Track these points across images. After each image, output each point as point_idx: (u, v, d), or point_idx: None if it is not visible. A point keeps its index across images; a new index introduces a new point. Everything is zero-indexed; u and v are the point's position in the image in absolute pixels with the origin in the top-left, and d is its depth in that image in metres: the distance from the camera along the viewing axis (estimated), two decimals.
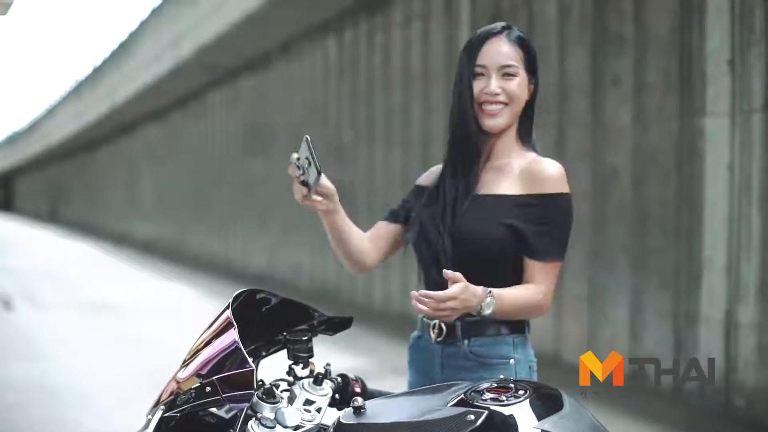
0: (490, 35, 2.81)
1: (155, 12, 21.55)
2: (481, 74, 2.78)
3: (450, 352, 2.74)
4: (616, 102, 8.03)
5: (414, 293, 2.52)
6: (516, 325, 2.76)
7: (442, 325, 2.73)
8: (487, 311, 2.59)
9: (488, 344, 2.73)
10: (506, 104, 2.77)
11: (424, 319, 2.79)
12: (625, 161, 7.96)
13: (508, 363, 2.72)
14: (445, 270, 2.54)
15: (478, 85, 2.78)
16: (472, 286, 2.54)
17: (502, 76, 2.77)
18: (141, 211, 28.43)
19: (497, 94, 2.76)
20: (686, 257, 7.27)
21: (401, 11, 12.01)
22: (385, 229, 2.97)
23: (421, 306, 2.48)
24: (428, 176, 2.97)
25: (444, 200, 2.81)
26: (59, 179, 47.29)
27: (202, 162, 21.68)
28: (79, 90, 33.81)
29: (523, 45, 2.81)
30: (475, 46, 2.80)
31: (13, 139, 58.00)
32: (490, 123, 2.78)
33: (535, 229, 2.71)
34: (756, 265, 6.58)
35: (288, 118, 16.26)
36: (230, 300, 2.33)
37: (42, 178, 53.36)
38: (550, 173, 2.76)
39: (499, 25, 2.84)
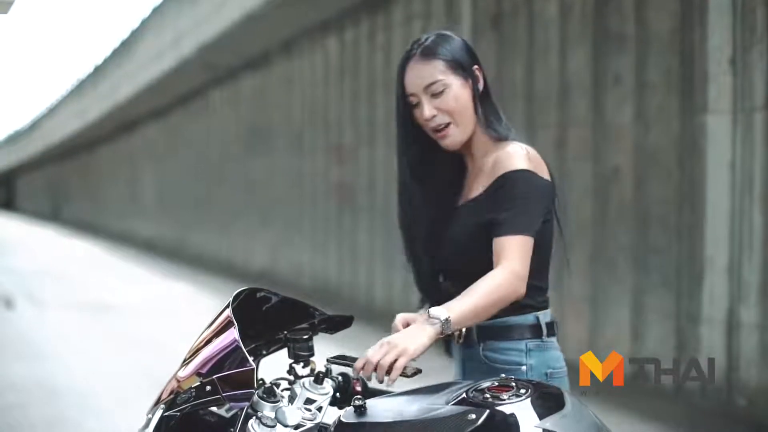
0: (407, 59, 2.71)
1: (156, 11, 21.56)
2: (417, 103, 2.69)
3: (469, 355, 2.70)
4: (618, 101, 8.02)
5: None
6: (531, 329, 2.67)
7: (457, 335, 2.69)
8: (447, 328, 2.41)
9: (501, 349, 2.66)
10: (449, 123, 2.68)
11: None
12: (626, 160, 7.95)
13: (519, 370, 2.63)
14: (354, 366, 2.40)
15: (419, 113, 2.70)
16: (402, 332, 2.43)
17: (431, 96, 2.67)
18: (142, 210, 28.45)
19: (434, 116, 2.66)
20: (688, 257, 7.26)
21: (402, 11, 12.01)
22: None
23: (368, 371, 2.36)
24: None
25: (424, 216, 2.79)
26: (60, 178, 47.32)
27: (203, 161, 21.69)
28: (80, 89, 33.83)
29: (442, 54, 2.68)
30: (400, 74, 2.72)
31: (15, 138, 58.03)
32: (446, 143, 2.71)
33: (499, 209, 2.60)
34: (758, 264, 6.58)
35: (289, 118, 16.27)
36: (230, 299, 2.32)
37: (43, 176, 53.40)
38: (507, 153, 2.65)
39: (412, 42, 2.74)
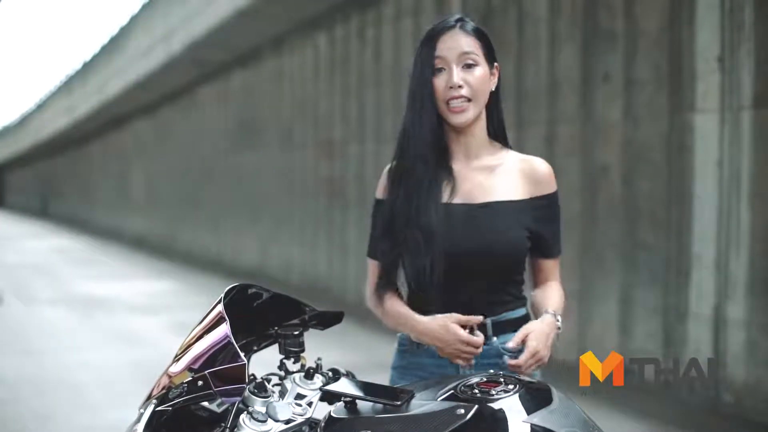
0: (445, 29, 2.74)
1: (146, 6, 21.51)
2: (441, 68, 2.71)
3: (482, 352, 2.70)
4: (606, 98, 8.04)
5: (463, 335, 2.61)
6: (527, 318, 2.80)
7: (474, 327, 2.69)
8: (560, 330, 2.71)
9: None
10: (470, 100, 2.70)
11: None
12: (614, 157, 7.98)
13: None
14: (507, 345, 2.63)
15: (439, 82, 2.70)
16: (536, 325, 2.64)
17: (462, 67, 2.70)
18: (132, 206, 28.37)
19: (460, 87, 2.68)
20: (675, 253, 7.29)
21: (392, 7, 12.01)
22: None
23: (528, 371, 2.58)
24: (384, 186, 2.84)
25: (439, 210, 2.71)
26: (50, 174, 47.18)
27: (193, 157, 21.65)
28: (69, 84, 33.73)
29: (480, 35, 2.76)
30: (431, 40, 2.74)
31: (4, 134, 57.82)
32: (457, 120, 2.71)
33: (549, 228, 2.78)
34: (745, 261, 6.61)
35: (278, 113, 16.25)
36: (222, 295, 2.33)
37: (32, 172, 53.23)
38: (548, 172, 2.80)
39: (453, 18, 2.79)
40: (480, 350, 2.62)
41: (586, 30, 8.27)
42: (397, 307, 2.77)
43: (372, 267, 2.85)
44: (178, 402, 2.19)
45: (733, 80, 6.69)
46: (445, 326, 2.63)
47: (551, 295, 2.78)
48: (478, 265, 2.68)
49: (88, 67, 29.89)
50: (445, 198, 2.74)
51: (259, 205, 17.22)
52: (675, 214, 7.31)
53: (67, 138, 37.35)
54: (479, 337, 2.62)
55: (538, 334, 2.59)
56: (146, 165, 26.57)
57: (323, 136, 14.22)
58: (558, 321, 2.68)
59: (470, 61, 2.70)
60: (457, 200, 2.74)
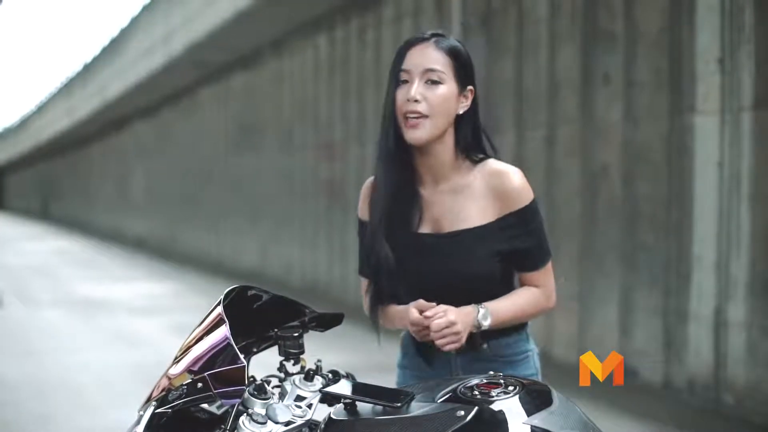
0: (417, 41, 2.67)
1: (146, 8, 21.53)
2: (405, 81, 2.63)
3: (471, 358, 2.71)
4: (606, 99, 8.05)
5: (415, 317, 2.58)
6: (523, 323, 2.80)
7: None
8: (485, 322, 2.61)
9: (509, 343, 2.75)
10: (426, 116, 2.61)
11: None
12: (614, 158, 7.98)
13: (527, 356, 2.78)
14: (417, 302, 2.59)
15: (400, 94, 2.64)
16: (456, 309, 2.59)
17: (425, 82, 2.62)
18: (132, 207, 28.39)
19: (417, 101, 2.59)
20: (676, 254, 7.29)
21: (392, 8, 12.02)
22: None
23: (443, 341, 2.55)
24: (364, 207, 2.85)
25: (408, 240, 2.70)
26: (50, 176, 47.21)
27: (193, 158, 21.66)
28: (69, 86, 33.76)
29: (454, 53, 2.65)
30: (401, 52, 2.68)
31: (4, 136, 57.87)
32: (410, 135, 2.63)
33: (523, 244, 2.68)
34: (745, 262, 6.61)
35: (279, 115, 16.26)
36: (222, 296, 2.33)
37: (33, 174, 53.26)
38: (519, 186, 2.67)
39: (429, 32, 2.70)
40: (427, 324, 2.56)
41: (586, 31, 8.27)
42: (389, 309, 2.78)
43: (364, 284, 2.89)
44: (178, 404, 2.19)
45: (734, 81, 6.69)
46: (406, 310, 2.64)
47: (506, 297, 2.69)
48: (449, 292, 2.64)
49: (88, 69, 29.92)
50: (413, 225, 2.72)
51: (259, 207, 17.22)
52: (675, 216, 7.31)
53: (68, 140, 37.38)
54: (417, 316, 2.59)
55: (456, 311, 2.56)
56: (146, 166, 26.58)
57: (323, 137, 14.23)
58: (479, 314, 2.60)
59: (435, 78, 2.62)
60: (424, 229, 2.71)
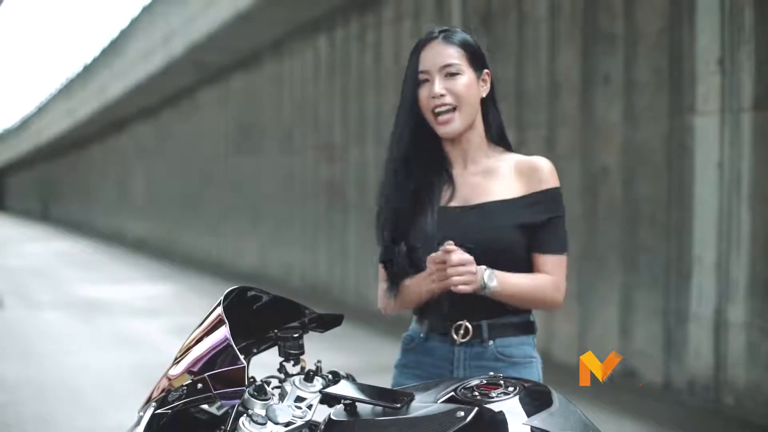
0: (427, 41, 2.77)
1: (146, 10, 21.54)
2: (426, 80, 2.74)
3: (475, 353, 2.73)
4: (607, 100, 8.05)
5: (437, 253, 2.58)
6: (532, 325, 2.80)
7: (468, 325, 2.72)
8: (491, 283, 2.62)
9: (514, 345, 2.75)
10: (455, 108, 2.72)
11: (445, 322, 2.76)
12: (615, 159, 7.98)
13: (531, 362, 2.77)
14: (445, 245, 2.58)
15: (424, 93, 2.74)
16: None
17: (445, 77, 2.72)
18: (132, 209, 28.40)
19: (443, 96, 2.71)
20: (676, 255, 7.29)
21: (392, 9, 12.02)
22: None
23: (459, 278, 2.55)
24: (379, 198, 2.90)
25: (436, 215, 2.74)
26: (50, 177, 47.23)
27: (193, 160, 21.67)
28: (70, 88, 33.78)
29: (464, 44, 2.76)
30: (415, 54, 2.78)
31: (4, 137, 57.89)
32: (444, 130, 2.75)
33: (547, 222, 2.74)
34: (745, 263, 6.61)
35: (279, 116, 16.27)
36: (221, 297, 2.33)
37: (33, 176, 53.28)
38: (547, 168, 2.78)
39: (437, 29, 2.80)
40: (447, 259, 2.57)
41: (586, 32, 8.28)
42: (407, 284, 2.78)
43: (382, 272, 2.88)
44: (178, 405, 2.19)
45: (734, 82, 6.69)
46: (426, 272, 2.66)
47: (522, 274, 2.72)
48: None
49: (88, 70, 29.94)
50: (443, 202, 2.78)
51: (259, 208, 17.23)
52: (675, 216, 7.31)
53: (68, 141, 37.41)
54: (439, 252, 2.59)
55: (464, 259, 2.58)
56: (147, 167, 26.59)
57: (323, 138, 14.23)
58: (486, 273, 2.61)
59: (453, 71, 2.72)
60: (453, 203, 2.78)
